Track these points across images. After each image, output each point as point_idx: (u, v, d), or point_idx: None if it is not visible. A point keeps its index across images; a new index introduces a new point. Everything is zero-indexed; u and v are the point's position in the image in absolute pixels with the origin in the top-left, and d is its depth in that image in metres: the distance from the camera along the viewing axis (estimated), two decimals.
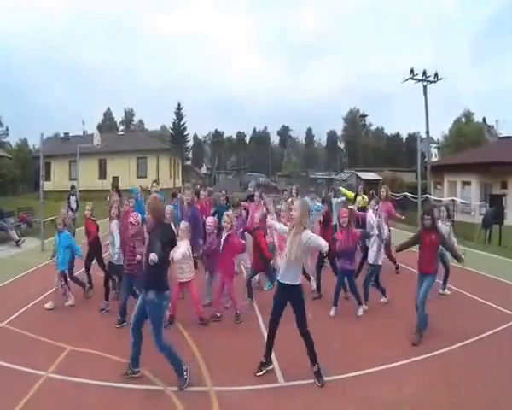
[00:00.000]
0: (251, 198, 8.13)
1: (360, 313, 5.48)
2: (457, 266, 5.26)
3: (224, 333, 4.89)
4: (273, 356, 4.13)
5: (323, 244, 3.66)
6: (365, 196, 9.03)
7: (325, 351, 4.22)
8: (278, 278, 3.84)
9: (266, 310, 5.35)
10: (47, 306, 5.66)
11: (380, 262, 5.81)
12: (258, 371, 3.82)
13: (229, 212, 5.77)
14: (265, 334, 4.74)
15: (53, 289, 5.82)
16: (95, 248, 6.19)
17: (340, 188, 9.68)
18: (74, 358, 4.18)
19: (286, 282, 3.71)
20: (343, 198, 8.62)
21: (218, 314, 5.29)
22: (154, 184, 8.42)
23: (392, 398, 3.50)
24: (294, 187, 8.54)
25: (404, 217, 8.47)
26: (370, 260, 5.80)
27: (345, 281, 5.60)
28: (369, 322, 5.29)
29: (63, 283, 5.87)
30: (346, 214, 5.49)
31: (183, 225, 5.20)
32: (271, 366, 3.92)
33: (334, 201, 8.13)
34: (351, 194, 9.25)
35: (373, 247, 5.79)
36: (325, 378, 3.74)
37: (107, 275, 5.81)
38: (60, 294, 5.84)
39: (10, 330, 4.90)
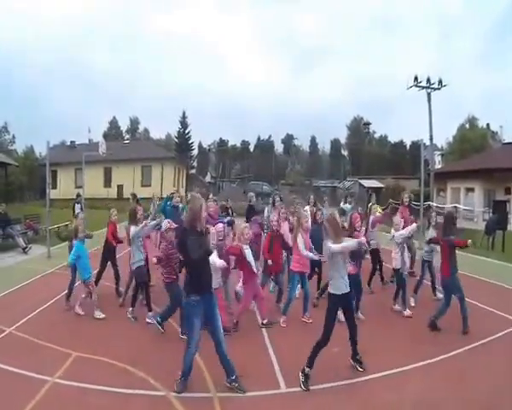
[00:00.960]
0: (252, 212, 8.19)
1: (361, 317, 5.48)
2: (460, 273, 5.29)
3: (227, 339, 4.86)
4: (274, 362, 4.19)
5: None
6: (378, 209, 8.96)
7: (327, 357, 4.24)
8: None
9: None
10: (97, 315, 5.64)
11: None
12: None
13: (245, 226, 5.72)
14: (268, 340, 4.81)
15: (93, 298, 5.84)
16: (113, 253, 6.38)
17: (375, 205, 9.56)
18: (80, 364, 4.22)
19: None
20: (353, 204, 8.65)
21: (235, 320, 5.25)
22: (176, 195, 7.93)
23: (394, 402, 3.51)
24: (312, 196, 8.61)
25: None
26: (394, 265, 5.86)
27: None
28: (372, 327, 5.30)
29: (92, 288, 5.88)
30: (359, 219, 5.65)
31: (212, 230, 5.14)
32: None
33: (345, 207, 8.23)
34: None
35: (399, 253, 5.82)
36: (329, 384, 3.77)
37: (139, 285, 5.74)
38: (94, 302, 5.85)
39: (17, 336, 4.96)
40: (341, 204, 8.37)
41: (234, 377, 3.68)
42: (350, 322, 4.06)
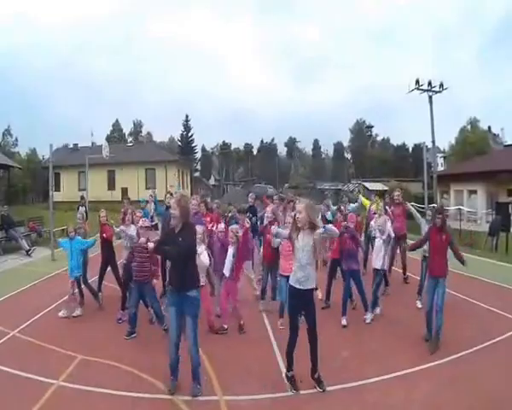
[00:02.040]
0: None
1: (368, 319, 5.43)
2: (465, 274, 5.23)
3: (233, 342, 4.87)
4: (281, 365, 4.13)
5: (335, 230, 3.81)
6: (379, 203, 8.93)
7: (334, 360, 4.23)
8: (292, 283, 3.72)
9: (276, 319, 5.37)
10: (60, 314, 5.71)
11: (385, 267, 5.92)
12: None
13: (235, 226, 5.76)
14: (275, 343, 4.75)
15: (66, 297, 5.87)
16: (111, 255, 6.30)
17: (360, 196, 9.59)
18: (85, 366, 4.20)
19: (299, 287, 3.66)
20: (357, 204, 8.61)
21: (225, 326, 5.21)
22: (168, 196, 7.85)
23: (401, 405, 3.49)
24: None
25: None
26: (378, 265, 5.75)
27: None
28: (377, 330, 5.27)
29: (75, 290, 5.90)
30: (354, 219, 5.71)
31: (200, 228, 5.15)
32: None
33: (350, 207, 8.17)
34: (366, 202, 9.17)
35: (381, 252, 5.74)
36: (336, 387, 3.73)
37: (125, 283, 5.77)
38: (73, 302, 5.85)
39: (21, 339, 4.94)
40: (347, 205, 8.30)
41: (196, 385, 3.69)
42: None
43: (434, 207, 6.83)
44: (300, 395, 3.65)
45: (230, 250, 5.30)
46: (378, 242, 5.83)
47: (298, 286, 3.65)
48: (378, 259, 5.75)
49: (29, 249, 11.04)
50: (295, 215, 3.69)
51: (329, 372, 3.86)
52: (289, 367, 3.77)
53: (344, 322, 5.36)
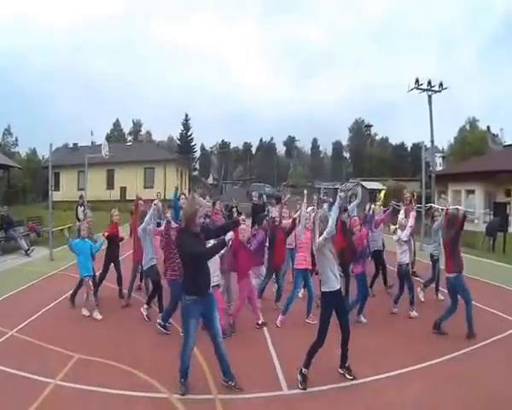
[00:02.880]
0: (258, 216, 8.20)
1: (363, 320, 5.45)
2: (462, 274, 5.28)
3: (229, 342, 4.86)
4: (277, 364, 4.18)
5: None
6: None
7: (331, 359, 4.23)
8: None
9: (272, 320, 5.42)
10: (94, 316, 5.73)
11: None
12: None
13: (244, 225, 5.75)
14: (270, 342, 4.80)
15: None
16: (117, 253, 6.46)
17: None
18: (83, 366, 4.22)
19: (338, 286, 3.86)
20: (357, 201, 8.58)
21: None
22: (182, 196, 7.76)
23: (397, 404, 3.52)
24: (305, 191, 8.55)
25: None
26: (404, 260, 5.78)
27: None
28: (373, 329, 5.30)
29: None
30: (358, 223, 5.62)
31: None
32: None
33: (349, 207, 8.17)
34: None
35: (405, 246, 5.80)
36: (332, 386, 3.77)
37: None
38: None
39: (19, 338, 4.96)
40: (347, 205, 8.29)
41: (231, 378, 3.72)
42: (343, 322, 3.93)
43: (431, 206, 6.88)
44: (295, 395, 3.68)
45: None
46: (404, 237, 5.79)
47: (338, 286, 3.81)
48: (403, 254, 5.77)
49: (28, 249, 11.05)
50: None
51: (325, 372, 3.90)
52: (307, 366, 3.80)
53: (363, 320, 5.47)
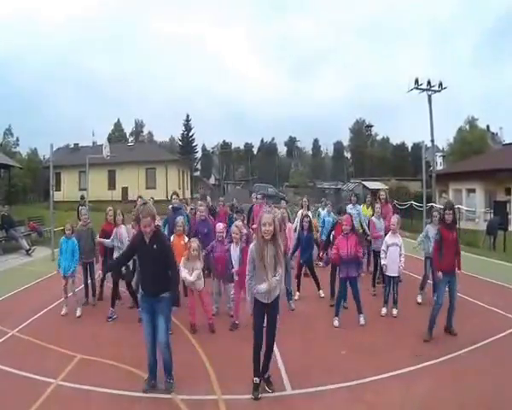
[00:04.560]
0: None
1: (362, 321, 5.40)
2: (463, 273, 5.25)
3: (233, 342, 4.87)
4: (280, 365, 4.13)
5: None
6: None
7: (333, 359, 4.22)
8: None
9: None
10: (62, 312, 5.76)
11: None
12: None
13: (238, 222, 5.77)
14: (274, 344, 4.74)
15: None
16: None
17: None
18: (84, 366, 4.20)
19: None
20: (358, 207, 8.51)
21: (237, 322, 5.27)
22: (174, 197, 7.72)
23: (398, 404, 3.49)
24: (305, 199, 8.52)
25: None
26: (395, 272, 5.67)
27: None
28: (374, 329, 5.28)
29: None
30: (349, 222, 5.50)
31: (195, 243, 5.16)
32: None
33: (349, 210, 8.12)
34: (366, 210, 8.82)
35: (397, 259, 5.66)
36: (332, 386, 3.73)
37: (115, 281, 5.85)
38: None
39: (20, 338, 4.95)
40: (348, 206, 8.25)
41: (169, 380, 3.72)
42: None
43: (433, 206, 6.82)
44: (299, 394, 3.65)
45: (237, 249, 5.26)
46: (393, 251, 5.69)
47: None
48: (394, 267, 5.66)
49: (29, 249, 11.05)
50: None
51: (327, 371, 3.87)
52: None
53: (336, 323, 5.35)
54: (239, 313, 5.27)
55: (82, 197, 13.78)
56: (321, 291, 6.58)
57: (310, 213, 7.96)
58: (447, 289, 4.85)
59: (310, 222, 6.62)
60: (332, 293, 6.16)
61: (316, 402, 3.55)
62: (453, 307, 4.86)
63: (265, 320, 3.65)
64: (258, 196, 8.89)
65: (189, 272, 5.03)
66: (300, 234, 6.57)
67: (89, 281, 6.42)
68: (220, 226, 5.77)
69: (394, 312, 5.76)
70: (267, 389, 3.67)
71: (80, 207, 12.81)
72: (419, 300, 6.21)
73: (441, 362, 4.21)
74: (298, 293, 6.55)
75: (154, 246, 3.60)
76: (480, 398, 3.51)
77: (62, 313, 5.79)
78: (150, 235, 3.61)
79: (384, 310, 5.78)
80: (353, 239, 5.40)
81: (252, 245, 3.63)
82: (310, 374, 3.87)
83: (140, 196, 9.80)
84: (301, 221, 6.73)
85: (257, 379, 3.62)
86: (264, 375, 3.70)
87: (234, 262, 5.28)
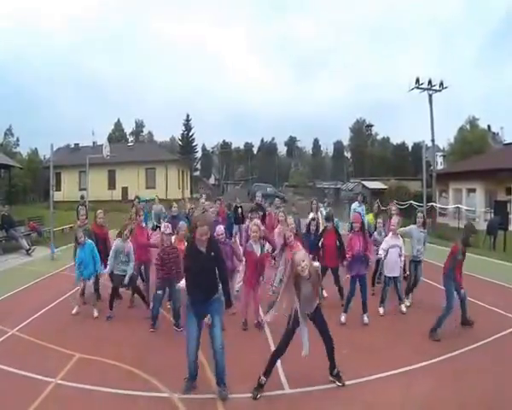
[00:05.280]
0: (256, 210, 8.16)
1: (366, 320, 5.44)
2: (463, 272, 5.28)
3: (231, 342, 4.84)
4: (278, 364, 4.11)
5: None
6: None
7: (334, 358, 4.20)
8: None
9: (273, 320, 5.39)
10: (74, 311, 5.81)
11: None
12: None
13: (258, 221, 5.78)
14: (272, 342, 4.75)
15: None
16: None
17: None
18: (84, 365, 4.22)
19: None
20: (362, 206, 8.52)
21: (261, 320, 5.30)
22: (174, 204, 7.88)
23: (398, 402, 3.51)
24: (314, 201, 8.50)
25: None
26: (396, 273, 5.78)
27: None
28: (375, 328, 5.30)
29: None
30: (359, 220, 5.59)
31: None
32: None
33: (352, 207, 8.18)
34: (372, 219, 8.76)
35: (398, 262, 5.79)
36: (333, 385, 3.76)
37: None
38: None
39: (20, 338, 4.97)
40: (353, 205, 8.29)
41: (222, 386, 3.63)
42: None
43: (433, 205, 6.88)
44: (297, 394, 3.67)
45: (258, 247, 5.25)
46: (394, 252, 5.77)
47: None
48: (395, 267, 5.76)
49: (29, 249, 11.06)
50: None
51: (327, 370, 3.86)
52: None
53: (343, 319, 5.42)
54: (246, 314, 5.31)
55: (82, 197, 13.80)
56: (324, 291, 6.60)
57: (320, 215, 7.98)
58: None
59: (317, 225, 6.66)
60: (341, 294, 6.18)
61: (314, 402, 3.56)
62: (465, 300, 5.00)
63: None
64: (258, 196, 8.97)
65: None
66: (308, 237, 6.56)
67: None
68: (221, 229, 5.75)
69: (403, 309, 5.84)
70: (338, 383, 3.74)
71: (80, 207, 12.91)
72: (407, 303, 6.12)
73: (442, 361, 4.24)
74: None
75: (212, 253, 3.65)
76: (480, 397, 3.53)
77: (74, 312, 5.81)
78: (205, 244, 3.63)
79: (381, 310, 5.82)
80: (363, 237, 5.46)
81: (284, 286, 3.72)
82: (309, 373, 3.88)
83: (137, 197, 9.82)
84: (309, 224, 6.75)
85: (263, 379, 3.67)
86: (333, 372, 3.79)
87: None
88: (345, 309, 5.48)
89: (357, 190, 33.98)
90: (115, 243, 5.76)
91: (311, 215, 7.40)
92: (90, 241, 5.94)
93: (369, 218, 8.73)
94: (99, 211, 6.64)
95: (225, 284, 3.81)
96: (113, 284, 5.76)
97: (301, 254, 3.67)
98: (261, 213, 8.18)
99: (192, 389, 3.68)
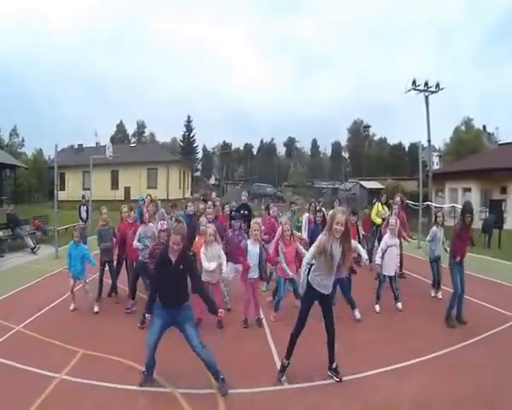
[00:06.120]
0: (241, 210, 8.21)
1: (358, 315, 5.51)
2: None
3: (231, 337, 4.98)
4: (277, 360, 4.22)
5: None
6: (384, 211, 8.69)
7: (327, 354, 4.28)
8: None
9: (269, 314, 5.49)
10: (70, 308, 5.96)
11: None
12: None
13: (259, 219, 5.90)
14: (271, 339, 4.88)
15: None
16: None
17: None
18: (87, 361, 4.29)
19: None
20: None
21: (262, 317, 5.46)
22: (190, 204, 7.82)
23: (393, 398, 3.56)
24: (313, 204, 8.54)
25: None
26: (392, 272, 5.92)
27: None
28: (370, 324, 5.38)
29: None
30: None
31: (211, 229, 5.29)
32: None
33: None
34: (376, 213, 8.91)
35: (396, 259, 5.96)
36: (329, 381, 3.83)
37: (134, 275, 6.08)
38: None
39: (25, 334, 5.06)
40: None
41: (220, 382, 3.69)
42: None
43: (429, 204, 6.98)
44: (295, 389, 3.74)
45: (256, 249, 5.36)
46: (392, 251, 5.89)
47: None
48: (392, 266, 5.90)
49: (34, 247, 11.19)
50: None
51: (323, 367, 3.95)
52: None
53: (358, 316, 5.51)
54: (248, 311, 5.41)
55: (83, 197, 13.97)
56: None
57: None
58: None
59: (323, 216, 6.78)
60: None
61: (312, 397, 3.63)
62: (464, 292, 5.13)
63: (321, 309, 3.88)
64: (243, 196, 9.05)
65: (210, 262, 5.14)
66: (314, 228, 6.65)
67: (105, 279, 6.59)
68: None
69: (399, 306, 5.95)
70: (335, 378, 3.82)
71: (81, 207, 13.07)
72: (439, 296, 6.38)
73: (437, 357, 4.30)
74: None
75: (181, 266, 3.67)
76: (477, 392, 3.58)
77: (71, 308, 5.95)
78: (177, 254, 3.67)
79: (377, 307, 5.91)
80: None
81: (322, 237, 3.71)
82: (306, 369, 3.95)
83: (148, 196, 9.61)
84: (314, 217, 6.90)
85: (286, 361, 3.79)
86: (332, 365, 3.86)
87: (250, 259, 5.35)
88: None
89: (355, 190, 34.06)
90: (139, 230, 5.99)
91: (306, 215, 7.53)
92: (84, 246, 6.16)
93: (378, 209, 8.85)
94: (123, 206, 6.78)
95: (202, 294, 3.87)
96: (137, 270, 5.94)
97: (342, 214, 3.58)
98: (246, 212, 8.22)
99: (150, 382, 3.76)
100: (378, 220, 8.51)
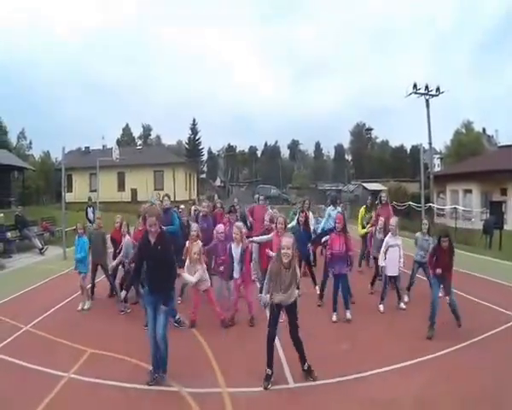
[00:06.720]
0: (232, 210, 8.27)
1: (349, 316, 5.52)
2: (460, 270, 5.37)
3: (237, 337, 5.00)
4: (283, 359, 4.23)
5: None
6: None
7: (332, 354, 4.31)
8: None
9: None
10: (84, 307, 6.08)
11: None
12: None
13: (240, 223, 5.92)
14: (276, 337, 4.85)
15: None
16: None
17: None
18: (95, 360, 4.33)
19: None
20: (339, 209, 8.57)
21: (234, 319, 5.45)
22: (166, 198, 7.82)
23: (396, 397, 3.55)
24: (307, 201, 8.53)
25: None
26: (395, 273, 5.90)
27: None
28: (373, 324, 5.37)
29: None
30: (341, 220, 5.70)
31: (196, 247, 5.26)
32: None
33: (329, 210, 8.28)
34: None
35: (397, 260, 5.88)
36: (333, 380, 3.83)
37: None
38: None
39: (34, 333, 5.12)
40: (329, 209, 8.39)
41: (160, 373, 3.83)
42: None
43: (431, 206, 6.96)
44: (301, 388, 3.75)
45: (238, 250, 5.40)
46: (393, 251, 5.88)
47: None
48: (395, 265, 5.86)
49: (42, 248, 11.32)
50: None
51: (326, 366, 3.96)
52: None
53: (334, 318, 5.52)
54: (238, 311, 5.43)
55: (89, 199, 14.09)
56: (317, 287, 6.69)
57: (311, 215, 8.12)
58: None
59: (306, 218, 6.82)
60: (321, 295, 6.29)
61: (317, 396, 3.64)
62: (452, 302, 5.00)
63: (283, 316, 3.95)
64: (261, 198, 9.11)
65: (192, 274, 5.16)
66: (296, 227, 6.67)
67: (96, 281, 6.66)
68: (221, 228, 5.88)
69: (402, 305, 5.97)
70: (310, 378, 3.83)
71: (88, 209, 13.19)
72: (406, 299, 6.26)
73: (440, 356, 4.28)
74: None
75: (159, 247, 3.77)
76: (478, 391, 3.56)
77: (79, 308, 6.05)
78: (155, 235, 3.78)
79: (381, 307, 5.90)
80: (344, 237, 5.57)
81: (271, 264, 3.91)
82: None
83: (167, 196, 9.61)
84: (298, 216, 6.92)
85: (269, 370, 3.79)
86: (304, 366, 3.88)
87: (235, 261, 5.41)
88: (333, 308, 5.57)
89: (358, 192, 33.95)
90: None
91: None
92: (86, 239, 6.33)
93: (362, 214, 8.73)
94: (117, 216, 6.86)
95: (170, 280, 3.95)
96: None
97: (290, 240, 3.77)
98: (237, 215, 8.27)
99: (158, 380, 3.80)
100: (362, 232, 8.27)
